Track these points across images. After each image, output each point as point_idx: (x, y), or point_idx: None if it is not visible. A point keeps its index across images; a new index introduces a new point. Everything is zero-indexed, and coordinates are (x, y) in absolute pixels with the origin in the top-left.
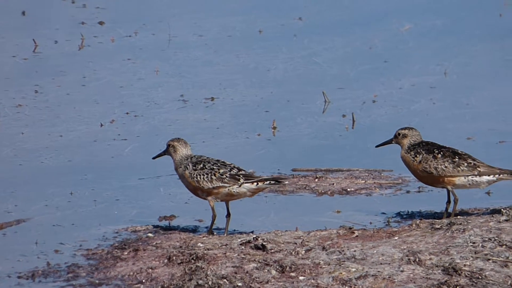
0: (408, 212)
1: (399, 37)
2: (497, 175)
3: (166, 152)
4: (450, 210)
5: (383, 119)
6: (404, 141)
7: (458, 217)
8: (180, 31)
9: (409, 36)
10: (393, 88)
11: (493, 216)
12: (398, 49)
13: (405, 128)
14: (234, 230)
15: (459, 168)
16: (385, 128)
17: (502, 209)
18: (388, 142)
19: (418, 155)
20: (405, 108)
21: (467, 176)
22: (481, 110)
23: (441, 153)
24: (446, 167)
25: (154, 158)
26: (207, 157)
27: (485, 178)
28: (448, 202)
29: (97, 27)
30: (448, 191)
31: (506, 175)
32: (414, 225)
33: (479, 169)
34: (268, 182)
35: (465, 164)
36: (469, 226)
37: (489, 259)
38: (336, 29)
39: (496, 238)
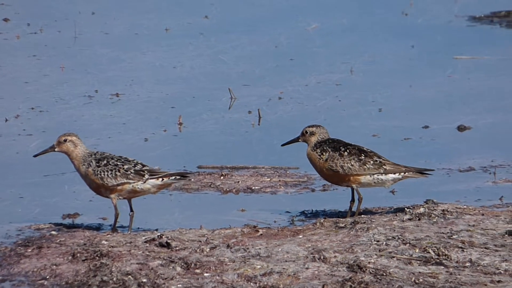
0: (312, 210)
1: (305, 35)
2: (402, 173)
3: (53, 149)
4: (354, 209)
5: (289, 116)
6: (312, 139)
7: (362, 216)
8: (86, 28)
9: (316, 34)
10: (299, 85)
11: (396, 215)
12: (304, 47)
13: (312, 126)
14: (138, 228)
15: (365, 167)
16: (291, 125)
17: (405, 208)
18: (295, 140)
19: (324, 153)
20: (311, 105)
21: (373, 174)
22: (386, 107)
23: (347, 150)
24: (352, 165)
25: (36, 156)
26: (110, 154)
27: (390, 176)
28: (352, 201)
29: (2, 23)
30: (353, 190)
31: (411, 173)
32: (318, 223)
33: (385, 167)
34: (174, 177)
35: (371, 162)
36: (373, 225)
37: (393, 257)
38: (242, 27)
39: (400, 237)
